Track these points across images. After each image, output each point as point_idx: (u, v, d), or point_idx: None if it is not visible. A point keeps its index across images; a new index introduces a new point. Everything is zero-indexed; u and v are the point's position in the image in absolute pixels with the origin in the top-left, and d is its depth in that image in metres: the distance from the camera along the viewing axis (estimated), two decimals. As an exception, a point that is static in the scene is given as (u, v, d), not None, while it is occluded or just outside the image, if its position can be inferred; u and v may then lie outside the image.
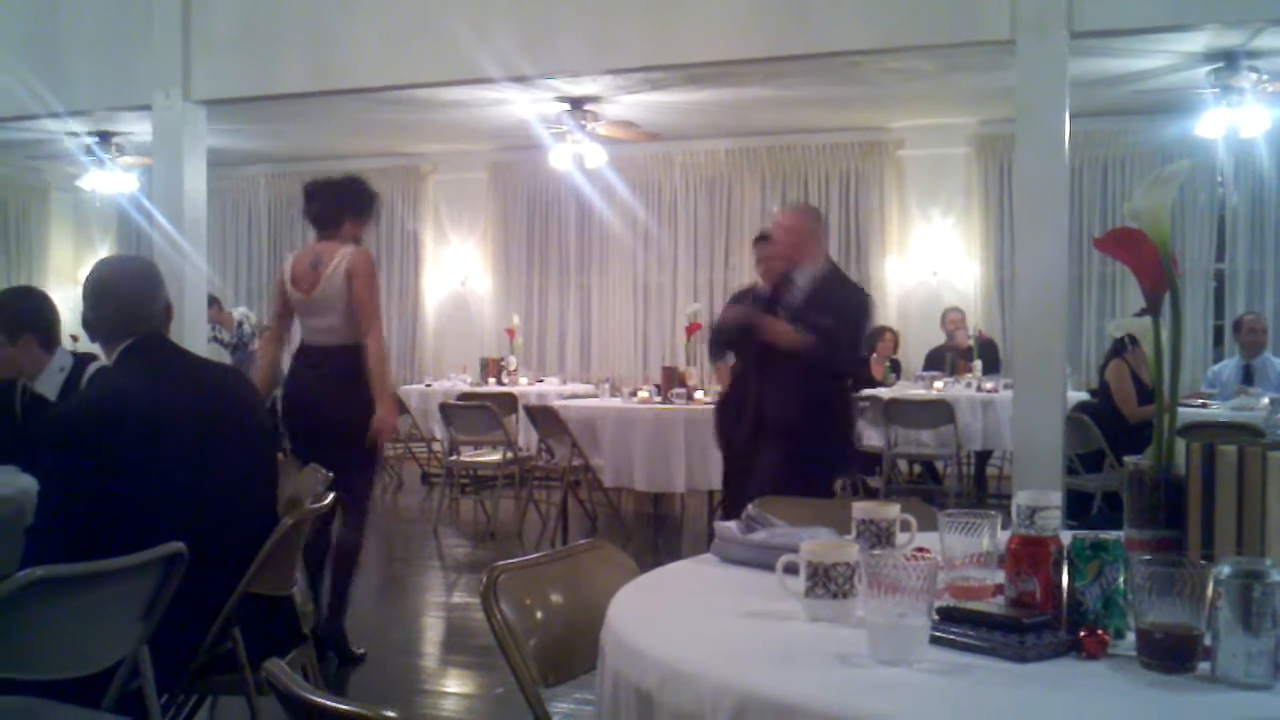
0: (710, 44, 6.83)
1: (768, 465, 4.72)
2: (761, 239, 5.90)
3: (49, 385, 3.49)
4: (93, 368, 3.43)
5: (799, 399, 4.72)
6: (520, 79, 7.60)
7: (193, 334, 6.82)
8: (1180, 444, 1.93)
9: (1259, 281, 9.91)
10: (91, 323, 2.96)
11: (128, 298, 2.92)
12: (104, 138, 10.41)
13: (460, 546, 7.81)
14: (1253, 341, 8.26)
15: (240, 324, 10.42)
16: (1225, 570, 1.58)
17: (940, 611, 1.75)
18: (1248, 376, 8.06)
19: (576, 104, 9.21)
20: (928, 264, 10.70)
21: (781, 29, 6.60)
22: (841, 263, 10.78)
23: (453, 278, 12.25)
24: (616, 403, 7.98)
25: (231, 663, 2.76)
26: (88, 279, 3.00)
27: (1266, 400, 6.99)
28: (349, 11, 7.65)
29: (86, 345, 3.46)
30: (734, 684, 1.55)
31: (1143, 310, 2.00)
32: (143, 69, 7.86)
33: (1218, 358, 9.45)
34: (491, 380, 9.82)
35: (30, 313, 3.53)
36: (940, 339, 9.92)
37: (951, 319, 9.87)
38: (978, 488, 9.11)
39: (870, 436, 8.11)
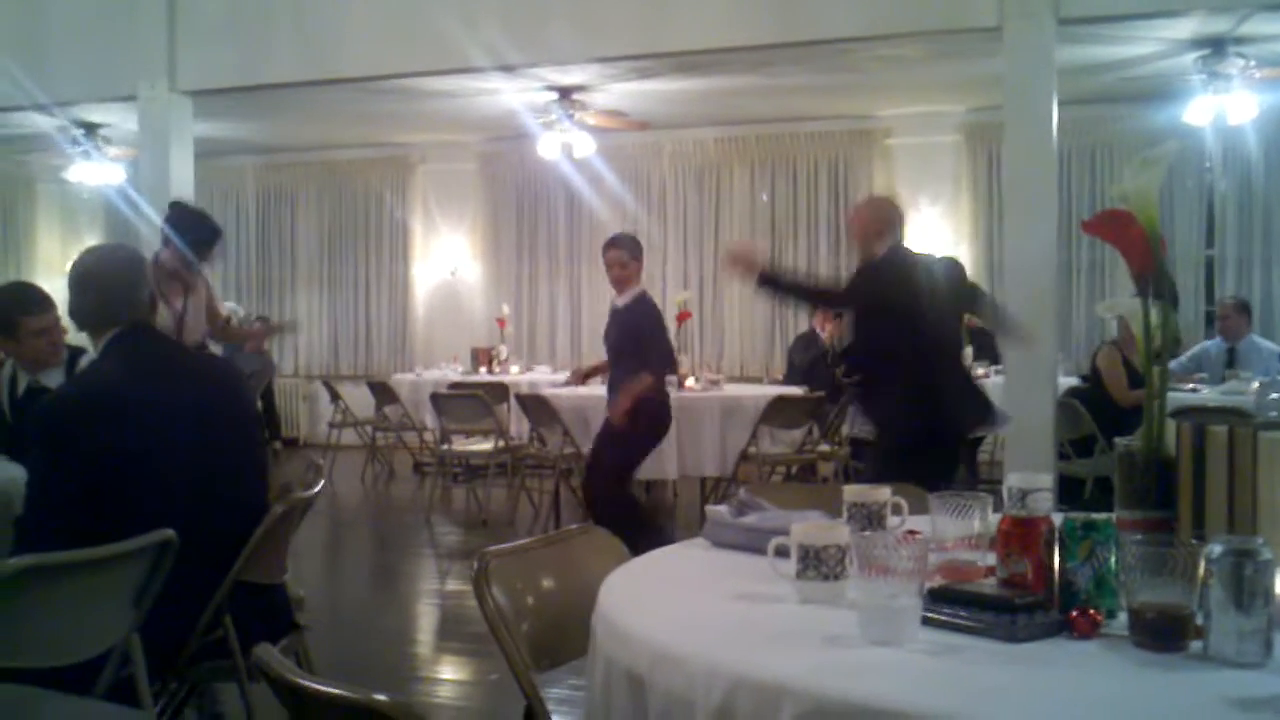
0: (700, 32, 6.82)
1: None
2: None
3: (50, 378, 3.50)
4: (84, 360, 3.42)
5: None
6: (509, 68, 7.59)
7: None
8: (1171, 424, 1.93)
9: (1248, 267, 9.92)
10: (76, 311, 2.94)
11: (112, 286, 2.89)
12: (90, 129, 10.35)
13: (452, 535, 7.81)
14: (1227, 326, 8.26)
15: (228, 319, 10.36)
16: (1217, 549, 1.58)
17: (931, 592, 1.75)
18: (1231, 360, 8.07)
19: (565, 93, 9.17)
20: (918, 251, 10.69)
21: (772, 17, 6.60)
22: (831, 250, 10.83)
23: (442, 268, 12.22)
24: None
25: (223, 650, 2.75)
26: (73, 267, 2.98)
27: (1256, 384, 6.98)
28: (337, 1, 7.62)
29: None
30: (725, 666, 1.55)
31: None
32: (128, 59, 7.82)
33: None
34: (482, 369, 9.81)
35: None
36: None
37: None
38: (969, 473, 9.11)
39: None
